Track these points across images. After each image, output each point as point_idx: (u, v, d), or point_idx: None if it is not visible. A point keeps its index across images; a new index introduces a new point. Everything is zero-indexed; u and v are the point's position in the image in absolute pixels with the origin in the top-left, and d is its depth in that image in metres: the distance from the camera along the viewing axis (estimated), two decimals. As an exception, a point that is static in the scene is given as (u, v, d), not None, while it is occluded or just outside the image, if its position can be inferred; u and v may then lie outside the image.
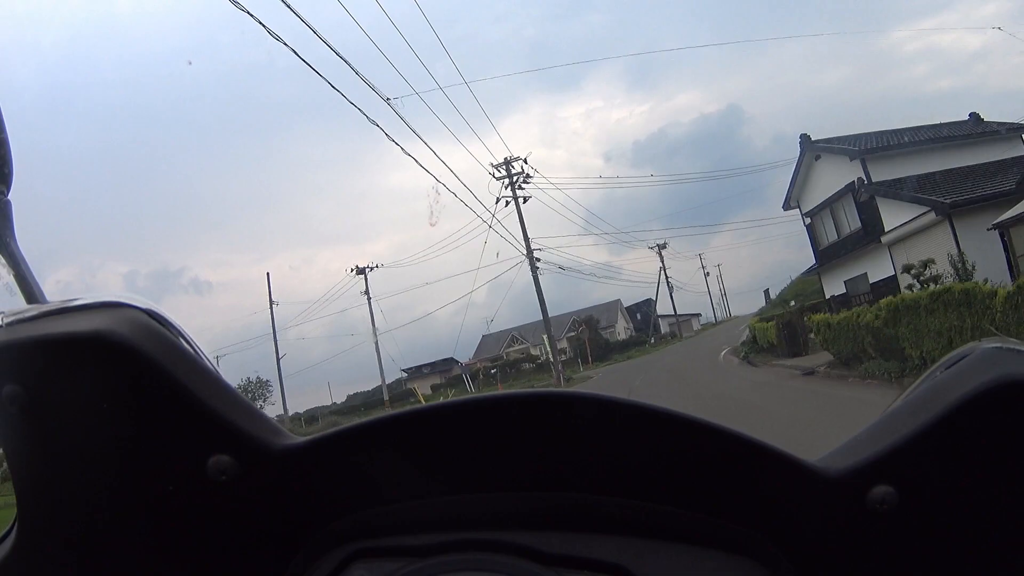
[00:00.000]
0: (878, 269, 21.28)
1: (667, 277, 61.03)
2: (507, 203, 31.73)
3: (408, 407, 0.52)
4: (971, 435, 0.46)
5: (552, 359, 33.29)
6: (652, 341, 55.60)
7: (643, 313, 67.06)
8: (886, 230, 20.25)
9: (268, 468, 0.50)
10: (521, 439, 0.51)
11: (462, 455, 0.52)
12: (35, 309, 0.49)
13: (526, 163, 32.18)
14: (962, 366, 0.48)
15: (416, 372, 54.59)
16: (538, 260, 31.41)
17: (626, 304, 67.76)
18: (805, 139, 24.07)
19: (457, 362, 52.93)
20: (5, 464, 0.51)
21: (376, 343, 43.66)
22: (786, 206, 26.17)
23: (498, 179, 31.98)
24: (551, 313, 33.05)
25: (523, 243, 30.38)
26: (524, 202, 31.91)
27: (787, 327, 21.26)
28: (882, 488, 0.47)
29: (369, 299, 44.81)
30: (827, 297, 24.94)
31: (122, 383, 0.47)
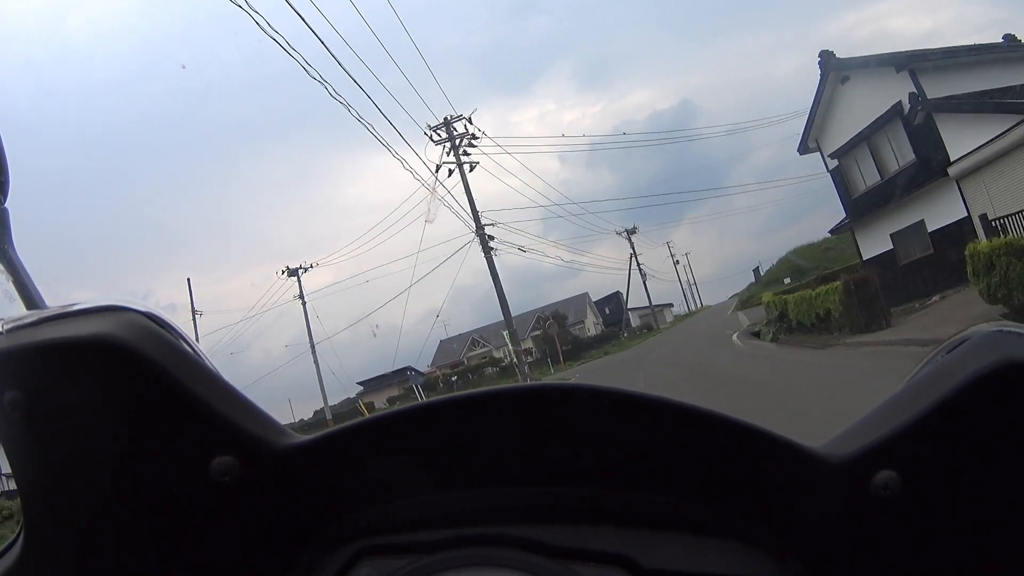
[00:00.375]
0: (940, 213, 16.04)
1: (639, 264, 56.04)
2: (450, 172, 25.69)
3: (411, 403, 0.52)
4: (973, 418, 0.46)
5: (516, 359, 27.53)
6: (624, 335, 50.48)
7: (612, 306, 62.55)
8: (952, 159, 15.04)
9: (271, 468, 0.50)
10: (524, 433, 0.51)
11: (466, 450, 0.52)
12: (35, 315, 0.49)
13: (470, 123, 26.22)
14: (963, 350, 0.48)
15: (373, 384, 48.65)
16: (491, 238, 25.42)
17: (594, 298, 62.93)
18: (827, 56, 18.74)
19: (415, 371, 49.73)
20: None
21: (314, 353, 38.51)
22: (802, 148, 20.86)
23: (437, 143, 25.90)
24: (513, 313, 26.96)
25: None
26: (471, 170, 25.95)
27: (862, 288, 15.19)
28: (885, 473, 0.47)
29: (304, 305, 38.51)
30: (863, 260, 19.73)
31: (124, 386, 0.47)
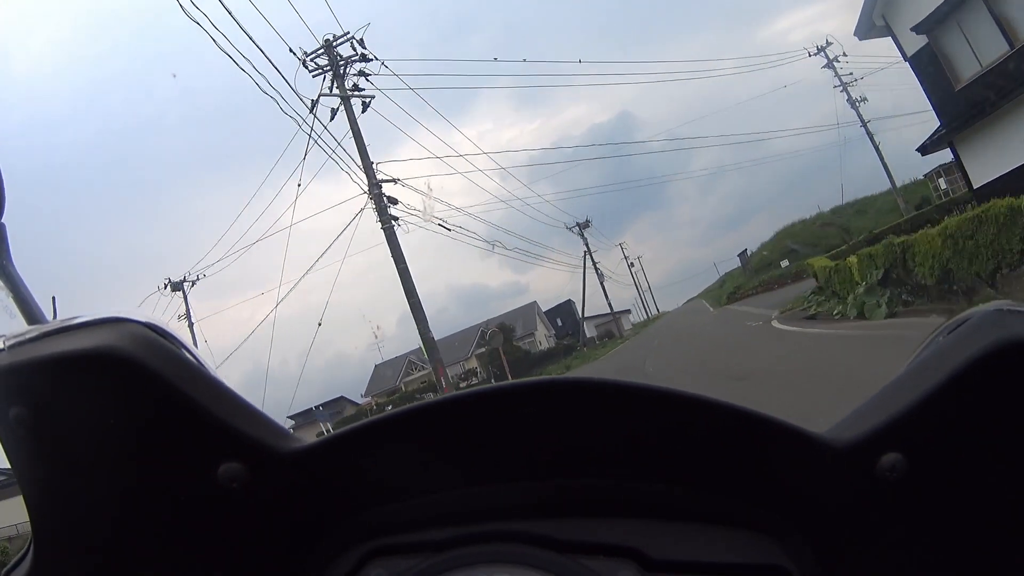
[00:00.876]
0: None
1: (594, 263, 48.91)
2: (333, 115, 17.08)
3: (414, 403, 0.52)
4: (976, 398, 0.46)
5: (435, 374, 18.46)
6: (583, 347, 43.05)
7: (565, 316, 55.93)
8: None
9: (278, 472, 0.50)
10: (529, 428, 0.51)
11: (472, 447, 0.52)
12: (36, 330, 0.49)
13: (361, 45, 17.58)
14: (964, 330, 0.48)
15: (305, 417, 39.90)
16: (393, 203, 16.96)
17: (544, 308, 56.24)
18: None
19: (349, 401, 45.95)
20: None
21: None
22: (863, 33, 13.95)
23: (313, 73, 17.26)
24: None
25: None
26: (363, 110, 17.42)
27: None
28: (891, 456, 0.47)
29: (191, 323, 29.04)
30: (973, 189, 12.72)
31: (128, 398, 0.47)
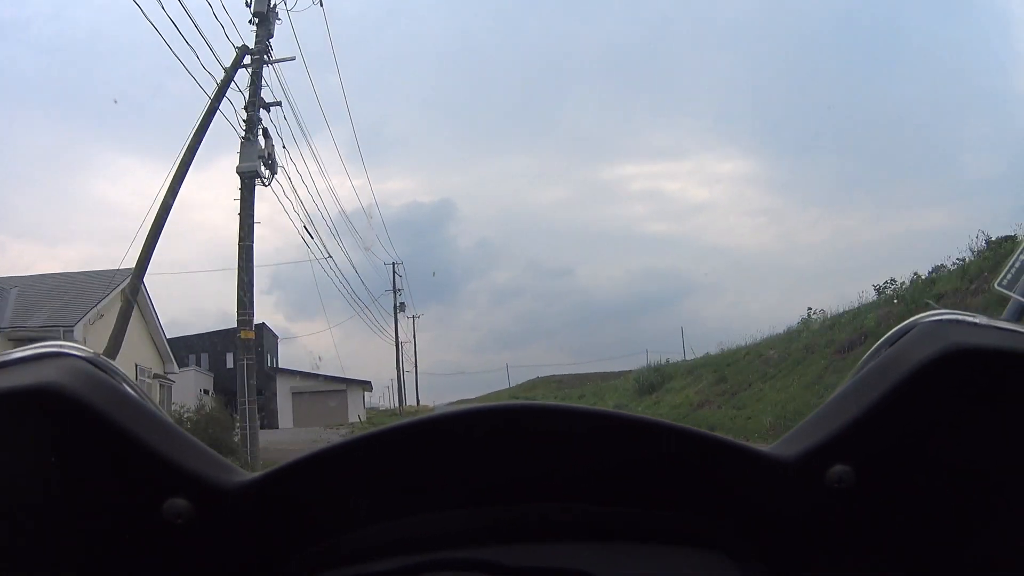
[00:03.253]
0: None
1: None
2: None
3: (362, 431, 0.51)
4: (922, 406, 0.47)
5: None
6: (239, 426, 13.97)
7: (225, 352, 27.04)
8: None
9: (224, 507, 0.50)
10: (478, 453, 0.51)
11: (417, 475, 0.51)
12: None
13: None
14: (907, 339, 0.49)
15: None
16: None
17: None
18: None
19: None
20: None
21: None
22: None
23: None
24: None
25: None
26: None
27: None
28: (838, 468, 0.48)
29: None
30: None
31: (69, 436, 0.46)
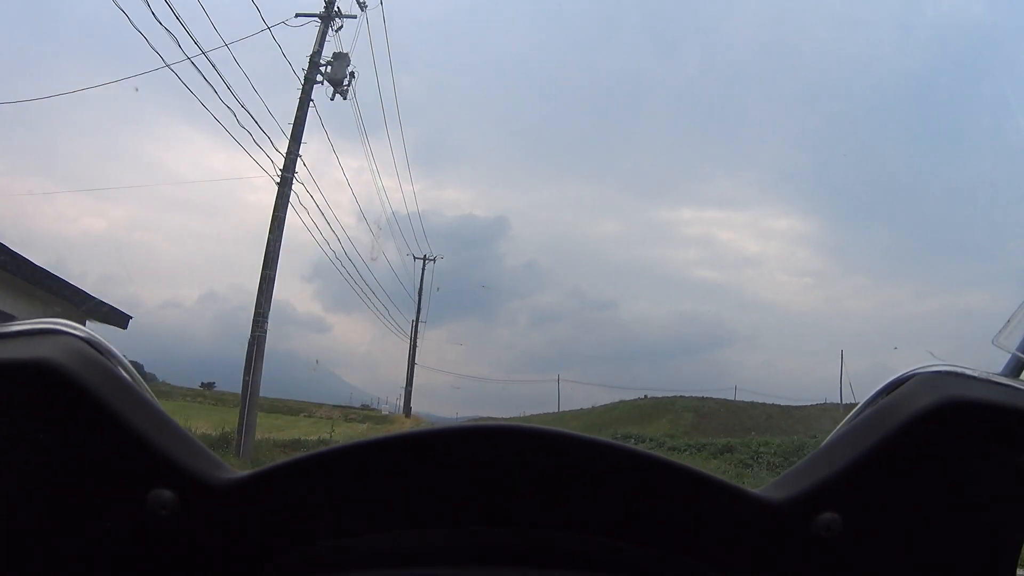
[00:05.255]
0: None
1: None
2: None
3: (353, 440, 0.51)
4: (915, 456, 0.47)
5: None
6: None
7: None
8: None
9: (209, 503, 0.49)
10: (462, 473, 0.50)
11: (408, 490, 0.51)
12: None
13: None
14: (904, 390, 0.49)
15: None
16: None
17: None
18: None
19: None
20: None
21: None
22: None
23: None
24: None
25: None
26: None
27: None
28: (827, 515, 0.48)
29: None
30: None
31: (61, 414, 0.46)
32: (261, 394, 12.45)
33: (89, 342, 0.48)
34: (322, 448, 0.52)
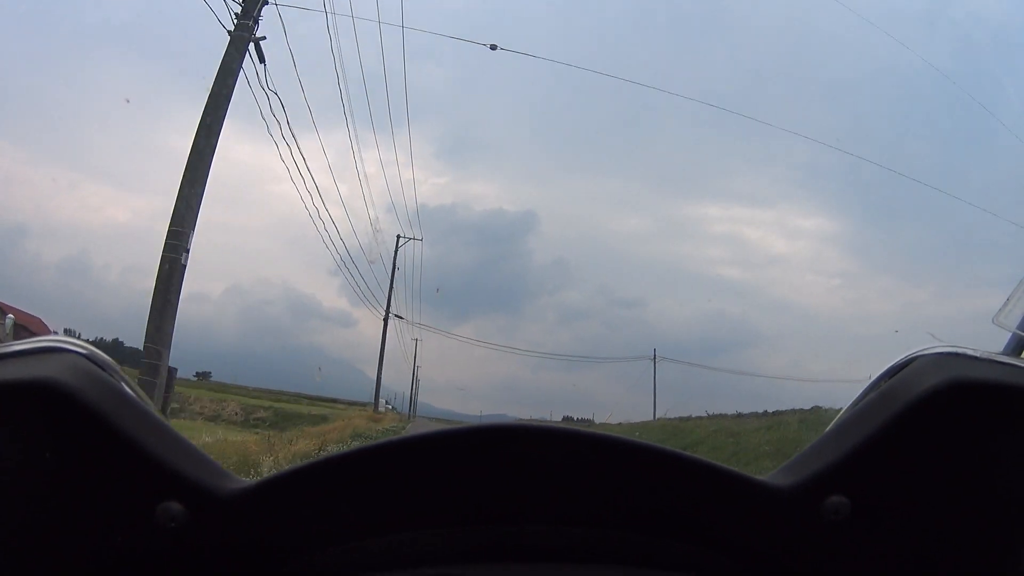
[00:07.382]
0: None
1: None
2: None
3: (355, 447, 0.52)
4: (922, 438, 0.47)
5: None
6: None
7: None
8: None
9: (217, 513, 0.49)
10: (470, 473, 0.51)
11: (412, 491, 0.51)
12: None
13: None
14: (909, 372, 0.49)
15: None
16: None
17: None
18: None
19: None
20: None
21: None
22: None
23: None
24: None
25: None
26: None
27: None
28: (835, 499, 0.48)
29: None
30: None
31: (64, 432, 0.46)
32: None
33: (90, 358, 0.48)
34: (327, 455, 0.52)
